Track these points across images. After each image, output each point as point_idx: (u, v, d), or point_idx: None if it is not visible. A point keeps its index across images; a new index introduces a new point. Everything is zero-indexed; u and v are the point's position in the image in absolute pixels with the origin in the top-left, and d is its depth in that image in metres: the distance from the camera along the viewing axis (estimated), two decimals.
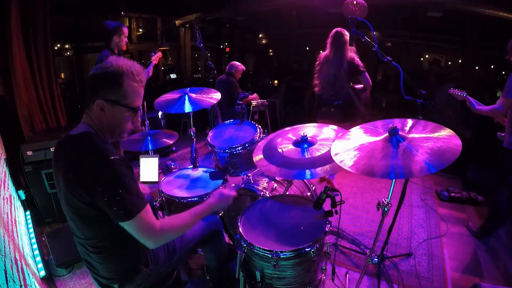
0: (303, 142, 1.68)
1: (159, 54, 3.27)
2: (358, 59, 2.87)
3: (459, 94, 2.36)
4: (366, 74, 2.90)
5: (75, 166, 1.03)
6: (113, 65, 1.08)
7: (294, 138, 1.76)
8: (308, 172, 1.47)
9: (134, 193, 1.05)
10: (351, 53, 2.85)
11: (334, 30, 2.88)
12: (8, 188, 2.24)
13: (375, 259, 1.74)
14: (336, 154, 1.37)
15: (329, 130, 1.76)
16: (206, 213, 1.32)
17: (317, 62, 3.04)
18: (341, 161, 1.31)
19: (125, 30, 2.92)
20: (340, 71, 2.84)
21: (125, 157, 1.11)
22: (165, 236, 1.13)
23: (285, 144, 1.72)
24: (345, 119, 2.97)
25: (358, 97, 2.98)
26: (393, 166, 1.20)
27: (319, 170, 1.47)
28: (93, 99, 1.09)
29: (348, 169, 1.26)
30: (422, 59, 8.80)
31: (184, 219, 1.21)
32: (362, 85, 2.99)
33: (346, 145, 1.41)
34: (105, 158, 1.03)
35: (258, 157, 1.67)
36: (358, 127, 1.54)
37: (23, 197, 2.73)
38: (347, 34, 2.70)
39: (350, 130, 1.55)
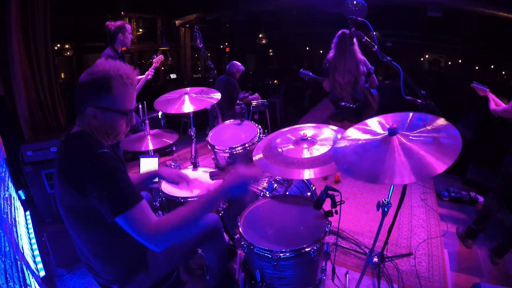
0: (302, 142, 1.68)
1: (161, 57, 3.26)
2: (367, 62, 2.93)
3: (481, 88, 2.38)
4: (374, 75, 3.01)
5: (65, 164, 1.03)
6: (100, 70, 1.05)
7: (293, 138, 1.76)
8: (307, 171, 1.47)
9: (125, 187, 1.00)
10: (361, 55, 2.89)
11: (340, 32, 2.91)
12: (8, 188, 2.24)
13: (375, 259, 1.74)
14: (335, 154, 1.36)
15: (329, 131, 1.76)
16: (219, 199, 1.11)
17: (327, 65, 3.03)
18: (342, 168, 1.30)
19: (128, 27, 2.94)
20: (359, 73, 2.89)
21: (115, 152, 1.09)
22: (166, 233, 1.01)
23: (285, 144, 1.72)
24: (358, 119, 2.99)
25: (371, 95, 3.05)
26: (398, 169, 1.16)
27: (319, 169, 1.47)
28: (84, 107, 1.07)
29: (352, 177, 1.24)
30: (422, 59, 8.80)
31: (189, 211, 1.06)
32: (367, 84, 3.06)
33: (345, 149, 1.40)
34: (91, 152, 1.00)
35: (257, 156, 1.67)
36: (355, 127, 1.54)
37: (23, 197, 2.73)
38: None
39: (348, 130, 1.54)
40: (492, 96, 2.35)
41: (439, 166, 1.09)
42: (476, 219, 2.40)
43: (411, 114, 1.43)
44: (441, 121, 1.30)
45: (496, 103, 2.32)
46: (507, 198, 2.26)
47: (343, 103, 3.06)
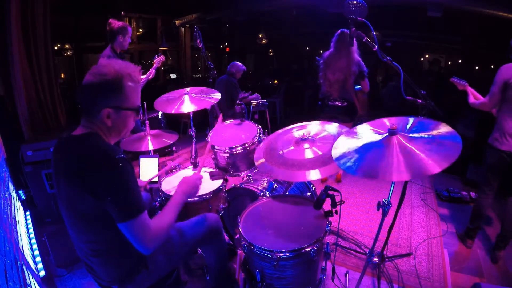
0: (303, 142, 1.68)
1: (162, 57, 3.24)
2: (363, 63, 2.94)
3: (460, 83, 2.40)
4: (367, 79, 3.01)
5: (79, 167, 1.03)
6: (111, 71, 1.06)
7: (294, 138, 1.76)
8: (309, 172, 1.47)
9: (137, 194, 1.05)
10: (357, 56, 2.92)
11: (339, 31, 2.92)
12: (8, 188, 2.24)
13: (375, 259, 1.74)
14: (337, 159, 1.36)
15: (332, 128, 1.75)
16: (183, 202, 1.33)
17: (321, 62, 3.07)
18: (343, 166, 1.30)
19: (129, 30, 2.94)
20: (350, 73, 2.90)
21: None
22: (159, 238, 1.12)
23: (286, 146, 1.72)
24: (348, 119, 3.10)
25: (357, 98, 3.08)
26: (395, 167, 1.19)
27: (320, 170, 1.47)
28: (97, 108, 1.08)
29: (352, 173, 1.25)
30: (422, 59, 8.80)
31: (170, 216, 1.23)
32: (359, 87, 3.08)
33: (346, 148, 1.40)
34: (110, 157, 1.02)
35: (260, 161, 1.67)
36: (357, 127, 1.54)
37: (23, 197, 2.73)
38: None
39: (349, 131, 1.55)
40: (471, 90, 2.37)
41: (433, 167, 1.13)
42: (471, 218, 2.43)
43: (412, 119, 1.45)
44: (443, 127, 1.31)
45: (474, 97, 2.35)
46: (499, 188, 2.29)
47: (331, 102, 3.08)
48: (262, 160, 1.66)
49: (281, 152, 1.66)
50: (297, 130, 1.81)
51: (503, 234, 2.23)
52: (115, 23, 2.85)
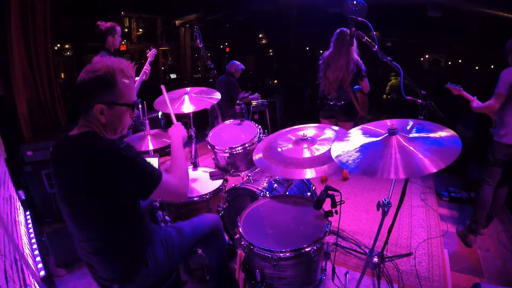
0: (302, 142, 1.68)
1: (154, 51, 3.18)
2: (362, 62, 2.94)
3: (455, 88, 2.45)
4: (366, 79, 3.00)
5: (82, 165, 1.03)
6: (103, 67, 1.07)
7: (294, 138, 1.76)
8: (307, 171, 1.47)
9: (149, 165, 1.12)
10: (356, 55, 2.92)
11: (338, 30, 2.92)
12: (8, 188, 2.24)
13: (375, 259, 1.74)
14: (337, 156, 1.36)
15: (330, 131, 1.76)
16: (182, 143, 1.44)
17: (321, 61, 3.08)
18: (342, 163, 1.30)
19: (118, 29, 2.90)
20: (348, 72, 2.90)
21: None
22: (185, 183, 1.28)
23: (285, 144, 1.72)
24: (347, 118, 3.10)
25: (356, 98, 3.08)
26: (393, 166, 1.19)
27: (319, 169, 1.47)
28: (91, 105, 1.09)
29: (350, 170, 1.25)
30: (422, 59, 8.80)
31: (181, 161, 1.34)
32: (359, 87, 3.09)
33: (346, 147, 1.40)
34: (116, 150, 1.05)
35: (257, 156, 1.68)
36: (358, 127, 1.54)
37: (23, 197, 2.73)
38: None
39: (350, 131, 1.55)
40: (465, 94, 2.44)
41: (431, 167, 1.14)
42: (474, 209, 2.47)
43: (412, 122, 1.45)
44: (445, 131, 1.32)
45: (469, 99, 2.44)
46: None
47: (329, 101, 3.09)
48: (260, 155, 1.66)
49: (279, 150, 1.66)
50: (297, 131, 1.82)
51: (489, 213, 2.47)
52: (103, 25, 2.83)
